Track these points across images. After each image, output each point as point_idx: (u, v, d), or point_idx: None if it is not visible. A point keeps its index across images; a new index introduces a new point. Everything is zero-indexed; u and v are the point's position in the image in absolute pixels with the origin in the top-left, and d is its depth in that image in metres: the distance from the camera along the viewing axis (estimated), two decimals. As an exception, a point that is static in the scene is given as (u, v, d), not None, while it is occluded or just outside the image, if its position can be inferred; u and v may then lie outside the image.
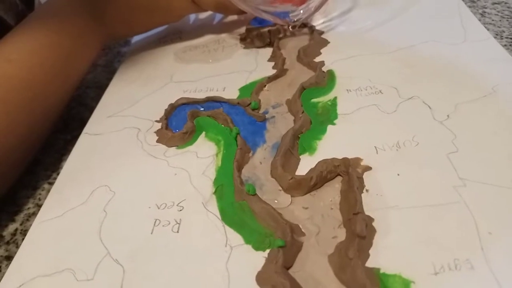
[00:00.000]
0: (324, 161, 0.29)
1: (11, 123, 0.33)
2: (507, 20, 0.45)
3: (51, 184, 0.34)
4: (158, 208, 0.29)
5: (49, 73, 0.36)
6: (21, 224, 0.33)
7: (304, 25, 0.45)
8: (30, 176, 0.38)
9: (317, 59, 0.40)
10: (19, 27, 0.38)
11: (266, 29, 0.44)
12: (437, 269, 0.22)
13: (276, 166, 0.29)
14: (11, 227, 0.33)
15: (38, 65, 0.36)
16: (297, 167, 0.30)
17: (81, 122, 0.40)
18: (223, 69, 0.42)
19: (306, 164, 0.30)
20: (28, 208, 0.35)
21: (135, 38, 0.52)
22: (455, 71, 0.36)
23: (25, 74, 0.35)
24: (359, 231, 0.23)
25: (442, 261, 0.23)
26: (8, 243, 0.32)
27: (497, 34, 0.43)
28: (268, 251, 0.25)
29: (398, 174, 0.28)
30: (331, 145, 0.31)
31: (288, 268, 0.23)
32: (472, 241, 0.23)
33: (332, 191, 0.28)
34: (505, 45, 0.41)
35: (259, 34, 0.44)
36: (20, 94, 0.34)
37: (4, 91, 0.33)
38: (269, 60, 0.42)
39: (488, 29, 0.41)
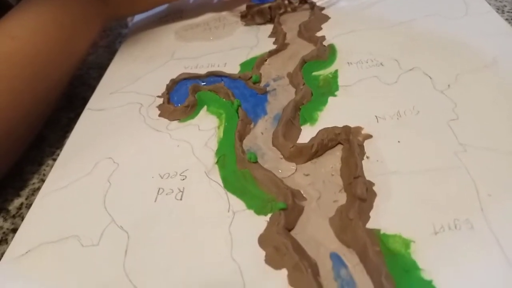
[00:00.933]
0: (325, 130, 0.29)
1: (14, 98, 0.33)
2: (509, -6, 0.45)
3: (56, 160, 0.34)
4: (161, 178, 0.29)
5: (52, 50, 0.36)
6: (26, 199, 0.34)
7: (305, 1, 0.45)
8: (35, 152, 0.38)
9: (318, 34, 0.40)
10: (21, 4, 0.38)
11: (266, 5, 0.44)
12: (437, 229, 0.23)
13: (278, 135, 0.29)
14: (17, 202, 0.34)
15: (42, 42, 0.36)
16: (298, 137, 0.30)
17: (84, 101, 0.40)
18: (224, 45, 0.42)
19: (307, 134, 0.30)
20: (33, 184, 0.35)
21: (136, 18, 0.52)
22: (456, 43, 0.36)
23: (28, 51, 0.35)
24: (359, 194, 0.24)
25: (442, 222, 0.23)
26: (14, 216, 0.32)
27: (498, 9, 0.43)
28: (270, 215, 0.25)
29: (399, 141, 0.28)
30: (332, 116, 0.31)
31: (289, 231, 0.24)
32: (472, 202, 0.24)
33: (333, 158, 0.28)
34: (507, 19, 0.41)
35: (259, 10, 0.44)
36: (24, 70, 0.34)
37: (8, 67, 0.33)
38: (270, 36, 0.42)
39: (489, 4, 0.41)
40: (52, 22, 0.37)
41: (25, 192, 0.34)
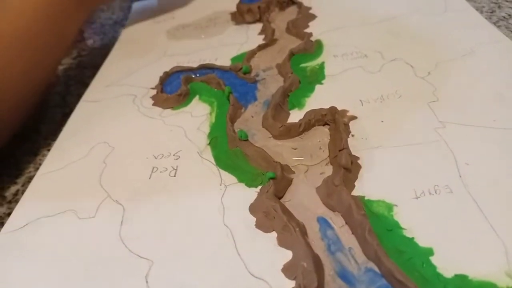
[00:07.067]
0: (312, 111, 0.30)
1: (4, 77, 0.33)
2: (487, -5, 0.47)
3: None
4: (156, 158, 0.30)
5: (41, 30, 0.37)
6: (22, 186, 0.34)
7: (293, 2, 0.47)
8: (30, 144, 0.39)
9: (305, 31, 0.42)
10: None
11: (256, 5, 0.46)
12: (418, 194, 0.24)
13: (267, 117, 0.31)
14: (13, 188, 0.34)
15: (31, 22, 0.36)
16: (287, 120, 0.31)
17: (79, 98, 0.41)
18: (215, 43, 0.44)
19: (295, 118, 0.31)
20: (30, 172, 0.36)
21: (129, 20, 0.54)
22: (437, 36, 0.38)
23: (19, 31, 0.36)
24: (344, 163, 0.25)
25: (422, 188, 0.24)
26: (10, 202, 0.33)
27: (477, 9, 0.45)
28: (260, 187, 0.26)
29: (382, 121, 0.30)
30: (319, 101, 0.33)
31: (279, 199, 0.25)
32: (451, 171, 0.25)
33: (321, 134, 0.29)
34: (485, 18, 0.43)
35: (249, 9, 0.45)
36: (13, 50, 0.34)
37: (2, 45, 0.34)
38: (260, 33, 0.44)
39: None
40: (39, 3, 0.38)
41: (21, 180, 0.35)
